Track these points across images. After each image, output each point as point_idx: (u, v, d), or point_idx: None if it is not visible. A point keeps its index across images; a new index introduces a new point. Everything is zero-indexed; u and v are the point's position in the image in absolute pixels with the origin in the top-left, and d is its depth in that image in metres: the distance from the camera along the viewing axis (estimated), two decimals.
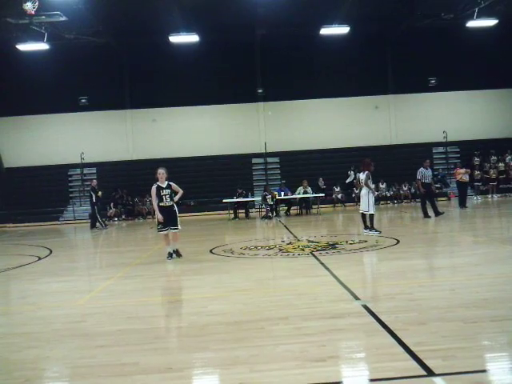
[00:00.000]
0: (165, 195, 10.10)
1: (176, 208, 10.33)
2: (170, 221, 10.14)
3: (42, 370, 4.50)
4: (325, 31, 25.48)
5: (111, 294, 7.60)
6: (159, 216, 10.06)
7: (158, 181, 10.18)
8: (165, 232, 10.26)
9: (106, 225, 21.57)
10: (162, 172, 10.20)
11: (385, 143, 29.06)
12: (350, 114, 29.49)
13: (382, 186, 25.71)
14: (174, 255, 10.42)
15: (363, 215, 12.94)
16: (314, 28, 25.35)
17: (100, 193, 21.06)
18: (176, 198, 10.30)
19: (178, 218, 10.31)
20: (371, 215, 12.71)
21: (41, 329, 5.80)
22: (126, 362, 4.43)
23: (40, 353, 4.90)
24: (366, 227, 12.88)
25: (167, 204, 10.13)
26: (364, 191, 12.74)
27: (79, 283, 8.14)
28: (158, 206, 10.08)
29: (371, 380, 3.87)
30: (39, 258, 12.10)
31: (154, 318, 5.95)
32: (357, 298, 6.15)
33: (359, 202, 25.39)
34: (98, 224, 20.91)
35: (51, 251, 13.34)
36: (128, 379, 4.05)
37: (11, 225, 25.77)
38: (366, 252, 10.02)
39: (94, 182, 21.44)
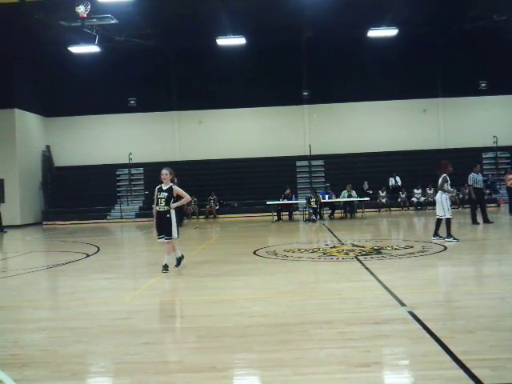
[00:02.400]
0: (160, 198, 9.05)
1: (172, 215, 9.08)
2: (163, 229, 9.11)
3: (88, 365, 4.60)
4: (372, 33, 25.19)
5: (156, 292, 7.71)
6: (155, 221, 9.28)
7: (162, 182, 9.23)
8: (160, 241, 9.26)
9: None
10: (165, 173, 9.16)
11: (433, 147, 28.48)
12: (396, 117, 29.07)
13: (430, 191, 25.21)
14: (166, 271, 9.11)
15: (438, 220, 12.30)
16: (362, 30, 25.10)
17: None
18: (175, 205, 9.14)
19: (174, 226, 9.11)
20: (448, 220, 12.06)
21: (88, 324, 5.94)
22: (170, 360, 4.48)
23: (87, 348, 5.01)
24: (435, 234, 12.26)
25: (160, 209, 9.05)
26: (440, 195, 12.26)
27: (125, 281, 8.29)
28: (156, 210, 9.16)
29: None
30: (87, 255, 12.39)
31: (198, 317, 5.99)
32: (402, 304, 6.04)
33: (405, 206, 24.97)
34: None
35: (99, 249, 13.63)
36: (172, 377, 4.09)
37: (60, 222, 26.51)
38: (412, 258, 9.83)
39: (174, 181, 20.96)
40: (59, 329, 5.80)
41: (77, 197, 27.53)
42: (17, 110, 26.81)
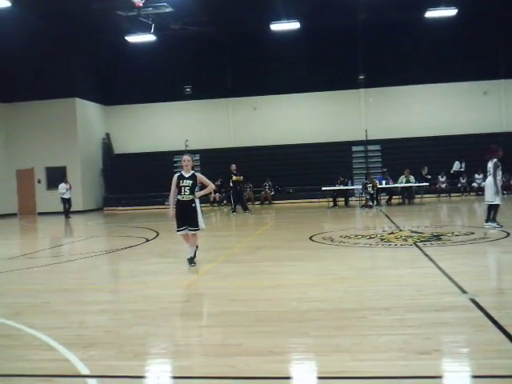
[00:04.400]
0: (184, 186, 8.27)
1: (197, 204, 8.44)
2: (186, 219, 8.36)
3: (149, 346, 4.73)
4: (430, 14, 24.37)
5: (214, 276, 7.83)
6: (171, 212, 8.55)
7: (183, 169, 8.50)
8: (182, 232, 8.50)
9: (249, 209, 20.92)
10: (187, 159, 8.42)
11: (494, 131, 27.41)
12: (456, 99, 28.10)
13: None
14: (194, 264, 8.52)
15: (489, 207, 11.88)
16: (419, 11, 24.30)
17: (236, 177, 20.47)
18: (200, 194, 8.55)
19: (200, 216, 8.46)
20: (496, 206, 11.63)
21: (148, 307, 6.10)
22: (230, 343, 4.54)
23: (148, 330, 5.15)
24: (487, 220, 11.84)
25: (185, 198, 8.30)
26: (489, 180, 11.87)
27: (184, 265, 8.44)
28: (177, 199, 8.40)
29: (479, 377, 3.70)
30: (147, 240, 12.69)
31: (256, 302, 6.05)
32: (464, 292, 5.89)
33: (465, 191, 24.19)
34: (231, 209, 20.69)
35: (158, 233, 13.94)
36: (231, 359, 4.15)
37: (120, 208, 27.24)
38: (473, 244, 9.56)
39: (233, 167, 20.76)
40: (121, 311, 5.99)
41: (136, 183, 28.16)
42: (77, 100, 27.61)
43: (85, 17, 22.68)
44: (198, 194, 8.50)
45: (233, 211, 20.70)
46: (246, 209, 20.80)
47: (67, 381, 3.91)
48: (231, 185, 20.92)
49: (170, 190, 8.46)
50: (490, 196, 11.64)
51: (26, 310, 6.14)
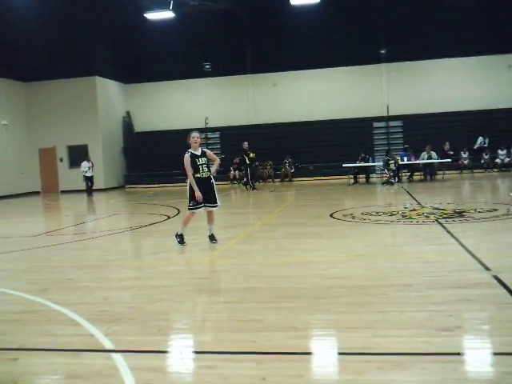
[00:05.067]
0: (201, 164, 8.23)
1: (213, 180, 8.50)
2: (207, 196, 8.25)
3: (172, 322, 4.79)
4: None
5: (235, 253, 7.87)
6: (198, 193, 8.12)
7: (189, 147, 8.34)
8: (200, 210, 8.33)
9: (255, 188, 21.23)
10: (197, 136, 8.32)
11: None
12: (479, 74, 27.52)
13: None
14: (215, 241, 8.53)
15: None
16: None
17: (252, 154, 20.89)
18: (213, 169, 8.47)
19: (217, 193, 8.51)
20: None
21: (171, 282, 6.17)
22: (251, 319, 4.57)
23: (171, 305, 5.21)
24: None
25: (204, 175, 8.24)
26: None
27: (204, 242, 8.50)
28: (195, 177, 8.21)
29: (500, 354, 3.66)
30: (168, 217, 12.78)
31: (277, 278, 6.07)
32: (487, 269, 5.84)
33: (488, 167, 23.83)
34: (248, 186, 21.01)
35: (179, 211, 14.01)
36: (253, 335, 4.18)
37: (141, 186, 27.47)
38: (496, 221, 9.44)
39: (245, 145, 21.19)
40: (144, 287, 6.06)
41: (156, 161, 28.28)
42: (98, 78, 27.72)
43: None
44: (214, 170, 8.49)
45: (253, 188, 20.76)
46: (253, 188, 21.05)
47: (92, 355, 3.98)
48: (248, 162, 20.92)
49: (185, 172, 8.28)
50: None
51: (51, 286, 6.25)
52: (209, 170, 8.31)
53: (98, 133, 27.67)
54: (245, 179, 21.44)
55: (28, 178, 27.34)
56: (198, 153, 8.30)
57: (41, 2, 22.45)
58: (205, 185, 8.26)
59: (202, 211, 8.38)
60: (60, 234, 11.56)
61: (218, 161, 8.70)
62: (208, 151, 8.55)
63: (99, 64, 27.98)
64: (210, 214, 8.51)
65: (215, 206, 8.43)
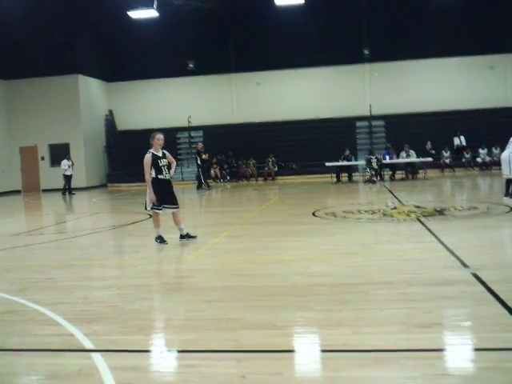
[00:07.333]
0: (163, 166, 8.28)
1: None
2: (169, 197, 8.35)
3: (153, 321, 4.80)
4: None
5: (217, 251, 7.87)
6: (152, 195, 8.16)
7: (151, 148, 8.37)
8: (161, 211, 8.34)
9: (210, 186, 22.37)
10: (161, 138, 8.36)
11: (499, 105, 27.18)
12: (461, 74, 27.79)
13: (496, 151, 24.18)
14: (193, 237, 8.61)
15: (508, 181, 11.84)
16: None
17: (205, 156, 21.76)
18: (172, 171, 8.59)
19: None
20: None
21: (152, 282, 6.16)
22: (232, 317, 4.58)
23: (151, 304, 5.22)
24: (506, 194, 11.81)
25: (167, 177, 8.33)
26: (507, 153, 11.72)
27: (187, 241, 8.48)
28: (157, 178, 8.21)
29: (479, 349, 3.72)
30: (150, 216, 12.68)
31: (259, 277, 6.09)
32: (466, 266, 5.91)
33: (469, 166, 24.08)
34: (203, 185, 21.70)
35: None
36: (234, 334, 4.19)
37: (124, 184, 27.27)
38: (476, 219, 9.56)
39: (200, 145, 22.32)
40: (125, 286, 6.03)
41: (139, 160, 27.85)
42: (80, 76, 27.46)
43: None
44: (173, 172, 8.62)
45: (208, 187, 21.61)
46: (208, 186, 22.12)
47: (72, 355, 3.96)
48: (199, 163, 21.66)
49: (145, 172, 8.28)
50: (507, 169, 11.54)
51: (31, 285, 6.19)
52: (169, 172, 8.40)
53: (80, 131, 27.42)
54: (203, 181, 21.97)
55: (9, 176, 27.00)
56: (160, 154, 8.35)
57: None
58: (167, 186, 8.36)
59: (164, 212, 8.38)
60: (41, 233, 11.46)
61: (174, 164, 8.78)
62: (167, 153, 8.56)
63: (81, 62, 27.72)
64: (174, 215, 8.52)
65: (176, 208, 8.45)
